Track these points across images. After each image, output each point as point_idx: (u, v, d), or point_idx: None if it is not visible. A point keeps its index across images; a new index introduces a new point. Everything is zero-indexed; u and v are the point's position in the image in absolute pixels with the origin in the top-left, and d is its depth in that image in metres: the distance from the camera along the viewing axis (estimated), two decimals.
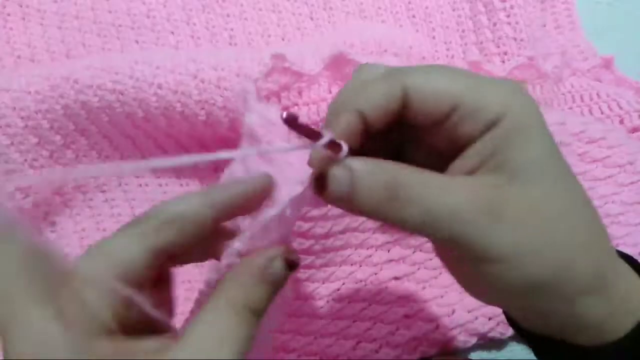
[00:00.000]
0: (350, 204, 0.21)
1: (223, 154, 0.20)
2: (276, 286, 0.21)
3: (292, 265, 0.22)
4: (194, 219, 0.21)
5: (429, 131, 0.21)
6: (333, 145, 0.20)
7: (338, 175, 0.20)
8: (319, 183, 0.21)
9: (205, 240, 0.22)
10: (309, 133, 0.20)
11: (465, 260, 0.21)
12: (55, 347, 0.18)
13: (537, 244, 0.19)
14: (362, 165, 0.20)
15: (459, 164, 0.21)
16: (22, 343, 0.18)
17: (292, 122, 0.19)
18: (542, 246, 0.19)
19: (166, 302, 0.24)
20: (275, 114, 0.23)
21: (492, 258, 0.19)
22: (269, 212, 0.22)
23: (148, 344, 0.20)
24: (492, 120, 0.20)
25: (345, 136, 0.20)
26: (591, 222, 0.21)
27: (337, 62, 0.34)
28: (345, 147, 0.20)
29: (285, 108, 0.34)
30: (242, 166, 0.24)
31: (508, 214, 0.19)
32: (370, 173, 0.20)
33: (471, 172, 0.21)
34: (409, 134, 0.22)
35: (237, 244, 0.22)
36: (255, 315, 0.20)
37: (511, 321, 0.25)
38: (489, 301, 0.23)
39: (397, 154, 0.24)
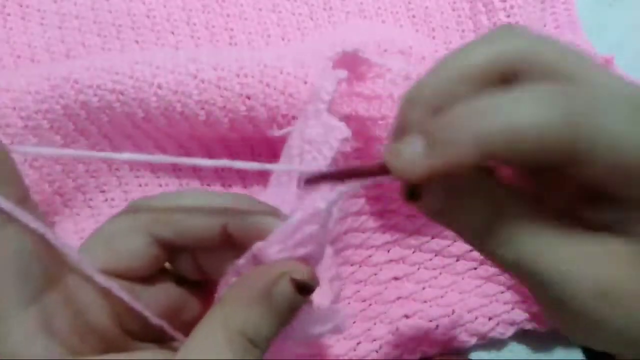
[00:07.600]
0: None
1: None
2: (284, 314, 0.17)
3: (304, 288, 0.18)
4: (197, 225, 0.19)
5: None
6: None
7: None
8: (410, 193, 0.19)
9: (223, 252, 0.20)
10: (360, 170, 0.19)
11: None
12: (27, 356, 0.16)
13: None
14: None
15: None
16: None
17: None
18: None
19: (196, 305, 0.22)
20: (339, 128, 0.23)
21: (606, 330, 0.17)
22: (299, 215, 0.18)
23: (142, 356, 0.19)
24: None
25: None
26: None
27: (345, 62, 0.33)
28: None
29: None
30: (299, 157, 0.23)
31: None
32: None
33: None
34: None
35: (241, 260, 0.19)
36: (254, 346, 0.17)
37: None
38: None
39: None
